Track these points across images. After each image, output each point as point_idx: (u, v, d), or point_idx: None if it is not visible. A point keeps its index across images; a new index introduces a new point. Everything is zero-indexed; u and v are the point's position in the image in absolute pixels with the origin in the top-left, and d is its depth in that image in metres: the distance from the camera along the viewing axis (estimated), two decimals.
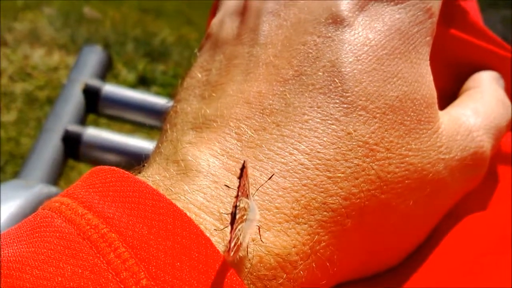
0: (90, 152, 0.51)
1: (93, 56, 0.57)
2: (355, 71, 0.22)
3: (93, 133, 0.51)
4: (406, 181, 0.21)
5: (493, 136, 0.25)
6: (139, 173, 0.22)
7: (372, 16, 0.23)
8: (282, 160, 0.20)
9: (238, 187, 0.16)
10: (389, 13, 0.23)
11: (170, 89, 1.86)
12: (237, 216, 0.16)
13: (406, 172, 0.21)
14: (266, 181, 0.19)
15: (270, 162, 0.20)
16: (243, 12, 0.26)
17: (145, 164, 0.23)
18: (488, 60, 0.30)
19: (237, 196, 0.16)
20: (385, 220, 0.21)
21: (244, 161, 0.16)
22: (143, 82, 1.92)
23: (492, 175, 0.28)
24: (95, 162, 0.51)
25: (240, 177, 0.16)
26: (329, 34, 0.23)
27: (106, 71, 0.58)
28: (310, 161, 0.20)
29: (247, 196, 0.17)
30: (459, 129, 0.24)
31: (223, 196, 0.19)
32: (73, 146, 0.51)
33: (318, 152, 0.20)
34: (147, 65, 2.05)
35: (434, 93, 0.23)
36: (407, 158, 0.21)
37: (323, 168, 0.20)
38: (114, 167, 0.20)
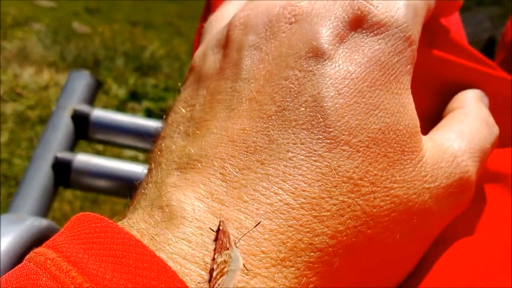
0: (80, 178, 0.51)
1: (81, 81, 0.57)
2: (337, 105, 0.22)
3: (83, 159, 0.51)
4: (392, 214, 0.21)
5: (478, 159, 0.25)
6: (125, 217, 0.22)
7: (352, 48, 0.23)
8: (267, 200, 0.20)
9: (215, 249, 0.16)
10: (369, 44, 0.23)
11: (161, 103, 1.87)
12: (216, 272, 0.16)
13: (392, 205, 0.21)
14: (253, 228, 0.19)
15: (256, 204, 0.20)
16: (225, 45, 0.26)
17: (132, 203, 0.23)
18: (471, 78, 0.30)
19: (213, 257, 0.16)
20: (372, 255, 0.21)
21: (220, 222, 0.16)
22: (134, 97, 1.93)
23: (479, 196, 0.28)
24: (86, 188, 0.51)
25: (216, 239, 0.16)
26: (310, 68, 0.22)
27: (95, 96, 0.58)
28: (295, 200, 0.20)
29: (227, 249, 0.17)
30: (443, 156, 0.24)
31: (209, 243, 0.19)
32: (63, 173, 0.51)
33: (303, 190, 0.20)
34: (138, 79, 2.06)
35: (416, 121, 0.23)
36: (392, 191, 0.21)
37: (308, 207, 0.20)
38: (99, 215, 0.20)
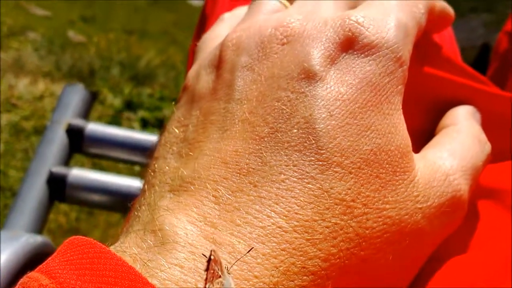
0: (75, 193, 0.51)
1: (75, 95, 0.57)
2: (328, 127, 0.22)
3: (78, 173, 0.51)
4: (385, 235, 0.21)
5: (470, 177, 0.25)
6: (118, 239, 0.22)
7: (343, 69, 0.23)
8: (260, 224, 0.20)
9: (206, 278, 0.16)
10: (360, 65, 0.23)
11: (157, 113, 1.86)
12: None
13: (384, 226, 0.21)
14: (245, 254, 0.19)
15: (248, 227, 0.20)
16: (218, 66, 0.26)
17: (126, 225, 0.23)
18: (464, 94, 0.30)
19: (204, 286, 0.16)
20: (365, 277, 0.21)
21: (211, 251, 0.16)
22: (129, 107, 1.92)
23: (472, 213, 0.28)
24: (81, 203, 0.51)
25: (207, 268, 0.16)
26: (302, 90, 0.23)
27: (89, 109, 0.58)
28: (288, 223, 0.20)
29: (219, 277, 0.17)
30: (435, 175, 0.24)
31: (201, 268, 0.19)
32: (58, 188, 0.51)
33: (296, 213, 0.20)
34: (133, 89, 2.05)
35: (408, 141, 0.23)
36: (384, 212, 0.21)
37: (301, 230, 0.20)
38: (92, 240, 0.20)
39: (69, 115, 0.55)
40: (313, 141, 0.21)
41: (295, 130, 0.22)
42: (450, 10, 0.30)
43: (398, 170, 0.22)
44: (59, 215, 1.38)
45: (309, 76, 0.23)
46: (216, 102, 0.25)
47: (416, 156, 0.24)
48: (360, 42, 0.24)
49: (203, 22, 0.53)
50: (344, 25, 0.24)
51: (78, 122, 0.55)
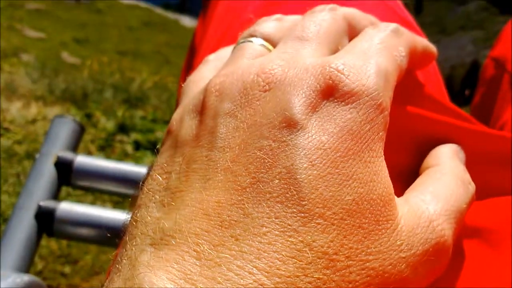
0: (64, 228, 0.50)
1: (64, 128, 0.57)
2: (310, 177, 0.22)
3: (67, 207, 0.51)
4: None
5: (454, 220, 0.25)
6: None
7: (325, 117, 0.23)
8: (242, 281, 0.20)
9: None
10: (341, 113, 0.23)
11: (149, 135, 1.86)
12: None
13: (368, 278, 0.21)
14: None
15: (229, 285, 0.19)
16: (201, 111, 0.26)
17: (107, 277, 0.23)
18: (447, 133, 0.30)
19: None
20: None
21: None
22: (122, 129, 1.91)
23: (458, 253, 0.28)
24: (70, 237, 0.51)
25: None
26: (284, 139, 0.23)
27: (79, 141, 0.58)
28: (269, 280, 0.20)
29: None
30: (419, 221, 0.24)
31: None
32: (46, 222, 0.50)
33: (278, 269, 0.20)
34: (126, 111, 2.05)
35: (390, 189, 0.23)
36: (367, 263, 0.21)
37: (283, 286, 0.20)
38: None
39: (58, 148, 0.55)
40: (295, 192, 0.21)
41: (277, 181, 0.22)
42: (432, 47, 0.31)
43: (380, 219, 0.22)
44: (51, 241, 1.37)
45: (290, 124, 0.23)
46: (199, 150, 0.25)
47: (399, 201, 0.24)
48: (341, 90, 0.24)
49: (192, 55, 0.53)
50: (325, 73, 0.24)
51: (67, 154, 0.55)
